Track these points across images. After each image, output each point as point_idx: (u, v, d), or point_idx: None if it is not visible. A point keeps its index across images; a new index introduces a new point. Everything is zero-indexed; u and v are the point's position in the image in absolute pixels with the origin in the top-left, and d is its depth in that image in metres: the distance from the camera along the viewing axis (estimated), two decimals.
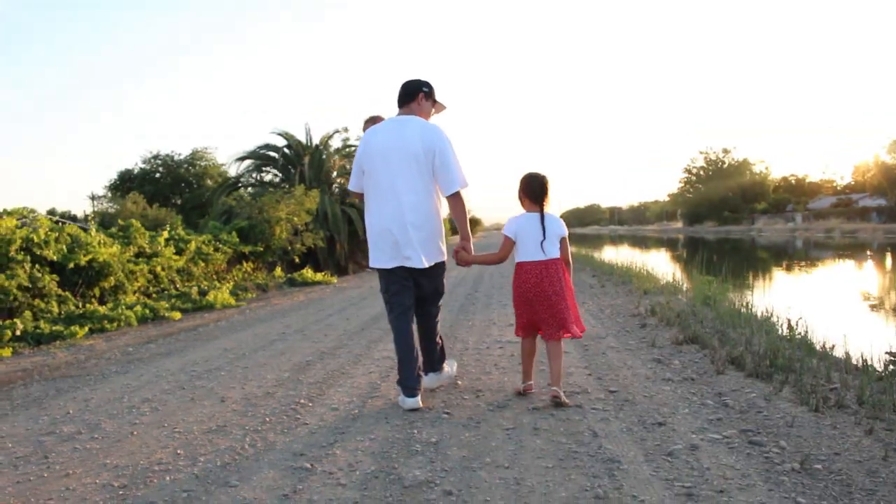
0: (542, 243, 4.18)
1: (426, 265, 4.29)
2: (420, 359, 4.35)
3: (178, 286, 13.19)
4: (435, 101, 4.51)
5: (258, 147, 25.65)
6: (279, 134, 25.85)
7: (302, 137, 26.30)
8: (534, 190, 4.24)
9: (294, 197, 19.11)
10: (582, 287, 11.76)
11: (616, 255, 25.77)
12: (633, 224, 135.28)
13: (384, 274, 4.36)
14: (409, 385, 4.19)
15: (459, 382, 4.82)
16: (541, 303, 4.16)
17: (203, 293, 12.50)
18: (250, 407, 4.41)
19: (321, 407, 4.34)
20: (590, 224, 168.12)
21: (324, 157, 25.93)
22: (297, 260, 19.57)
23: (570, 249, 4.35)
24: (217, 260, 15.20)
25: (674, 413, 3.92)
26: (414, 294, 4.38)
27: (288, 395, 4.70)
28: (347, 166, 26.84)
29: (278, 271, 17.69)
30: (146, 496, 2.96)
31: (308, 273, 17.86)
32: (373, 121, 4.66)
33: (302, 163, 24.62)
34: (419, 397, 4.21)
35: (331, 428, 3.85)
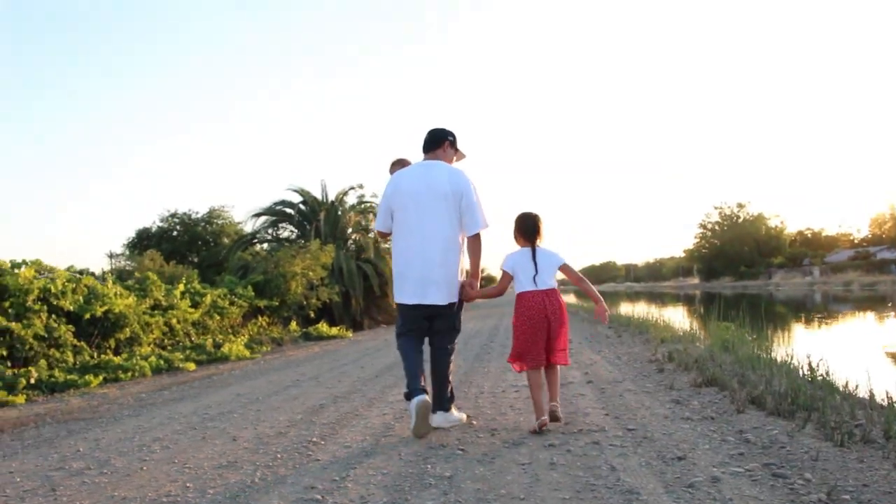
0: (534, 277, 4.41)
1: (448, 302, 4.50)
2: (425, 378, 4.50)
3: (193, 339, 13.18)
4: (457, 150, 4.79)
5: (274, 203, 25.96)
6: (295, 190, 26.21)
7: (318, 194, 26.65)
8: (527, 229, 4.49)
9: (310, 252, 19.21)
10: (598, 337, 11.65)
11: (632, 310, 25.56)
12: (649, 281, 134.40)
13: (406, 308, 4.54)
14: (414, 388, 4.35)
15: (474, 423, 4.74)
16: (538, 329, 4.36)
17: (218, 345, 12.49)
18: (262, 445, 4.34)
19: (333, 445, 4.27)
20: (605, 281, 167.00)
21: (339, 213, 26.16)
22: (312, 315, 19.55)
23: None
24: (232, 314, 15.22)
25: (694, 449, 3.82)
26: (427, 329, 4.58)
27: (300, 434, 4.64)
28: (363, 222, 27.04)
29: (293, 325, 17.67)
30: None
31: (323, 327, 17.83)
32: (400, 164, 4.91)
33: (318, 219, 24.82)
34: (427, 396, 4.32)
35: (343, 464, 3.78)
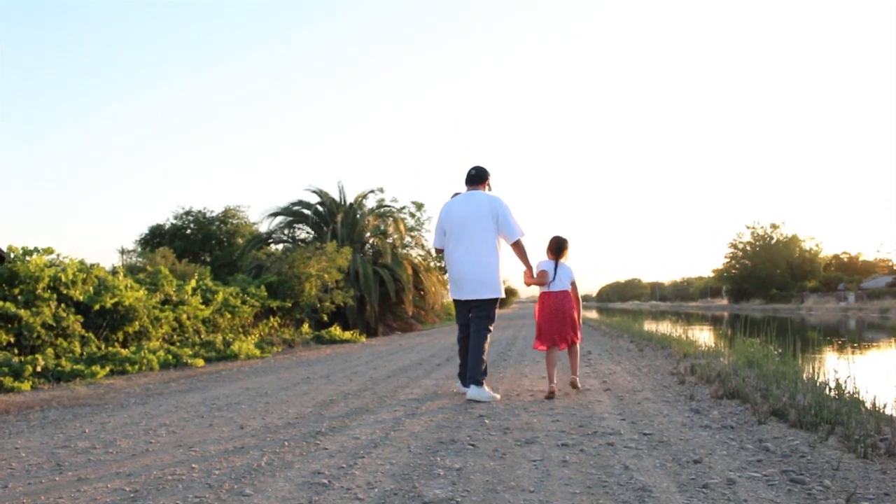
0: (551, 283, 6.22)
1: (488, 297, 6.05)
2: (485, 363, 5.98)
3: (202, 336, 13.32)
4: (488, 184, 6.46)
5: (291, 203, 26.09)
6: (313, 191, 26.37)
7: (336, 195, 26.77)
8: (554, 248, 6.33)
9: (325, 253, 19.29)
10: (619, 350, 11.65)
11: (656, 327, 25.42)
12: (676, 300, 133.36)
13: (459, 303, 6.22)
14: (476, 378, 5.83)
15: (487, 421, 4.79)
16: (559, 318, 6.18)
17: (228, 344, 12.61)
18: (269, 434, 4.42)
19: (342, 436, 4.33)
20: (630, 299, 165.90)
21: (357, 216, 26.30)
22: (325, 318, 19.62)
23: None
24: (244, 313, 15.35)
25: (710, 454, 3.84)
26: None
27: (309, 425, 4.71)
28: (382, 226, 27.17)
29: (305, 328, 17.78)
30: (157, 499, 2.97)
31: (336, 331, 17.92)
32: (456, 195, 6.49)
33: (335, 221, 24.91)
34: (484, 387, 5.87)
35: (351, 453, 3.84)
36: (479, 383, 5.91)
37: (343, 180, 71.63)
